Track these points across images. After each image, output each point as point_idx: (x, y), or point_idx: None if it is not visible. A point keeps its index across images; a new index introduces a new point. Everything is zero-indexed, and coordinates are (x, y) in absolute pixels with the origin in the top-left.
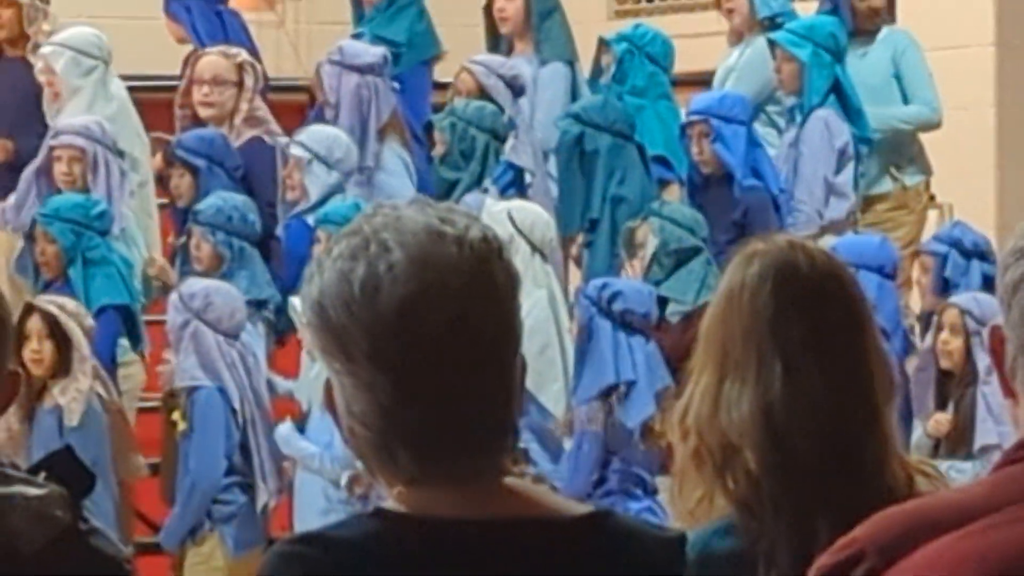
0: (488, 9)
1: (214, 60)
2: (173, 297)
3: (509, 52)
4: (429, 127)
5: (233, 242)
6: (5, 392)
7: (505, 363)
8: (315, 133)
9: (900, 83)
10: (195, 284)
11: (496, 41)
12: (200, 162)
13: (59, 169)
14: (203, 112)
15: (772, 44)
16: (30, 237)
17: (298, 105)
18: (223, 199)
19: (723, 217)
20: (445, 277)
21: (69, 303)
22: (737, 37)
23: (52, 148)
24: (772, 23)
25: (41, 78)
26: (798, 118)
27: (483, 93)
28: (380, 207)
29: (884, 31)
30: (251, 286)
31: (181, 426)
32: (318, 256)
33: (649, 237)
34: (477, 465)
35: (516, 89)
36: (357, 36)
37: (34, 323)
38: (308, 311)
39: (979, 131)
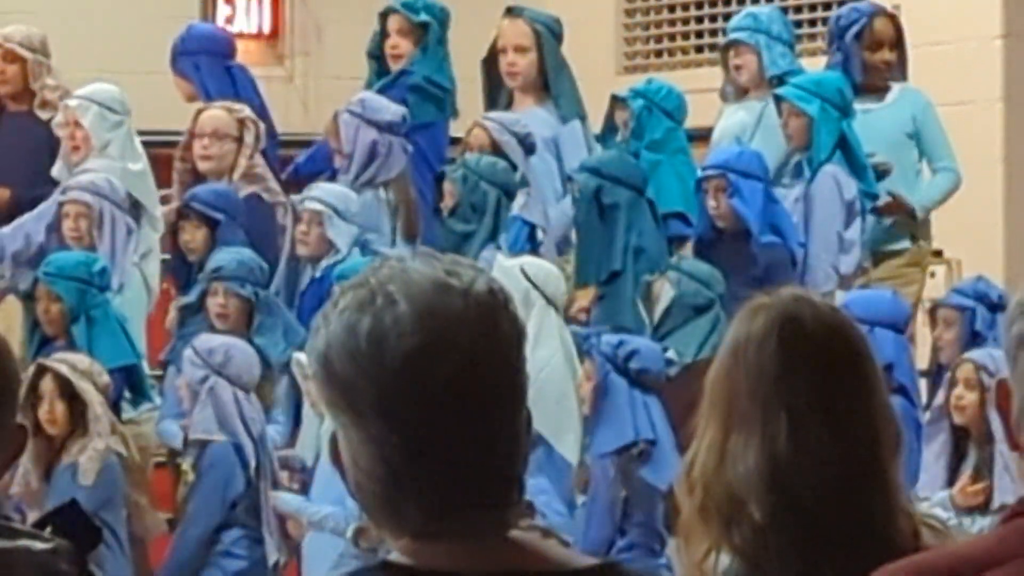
0: (487, 63)
1: (216, 114)
2: (188, 353)
3: (508, 106)
4: (439, 179)
5: (260, 293)
6: (14, 444)
7: (511, 416)
8: (327, 189)
9: (918, 142)
10: (212, 339)
11: (494, 95)
12: (219, 215)
13: (67, 225)
14: (202, 165)
15: (779, 99)
16: (29, 296)
17: None
18: (237, 253)
19: (739, 273)
20: (451, 329)
21: (82, 361)
22: (740, 94)
23: (61, 204)
24: (780, 82)
25: (61, 131)
26: (805, 173)
27: (496, 149)
28: (387, 260)
29: (897, 88)
30: (289, 333)
31: (190, 477)
32: (324, 309)
33: (664, 289)
34: (483, 518)
35: (528, 147)
36: (404, 74)
37: (46, 384)
38: (314, 364)
39: (987, 186)
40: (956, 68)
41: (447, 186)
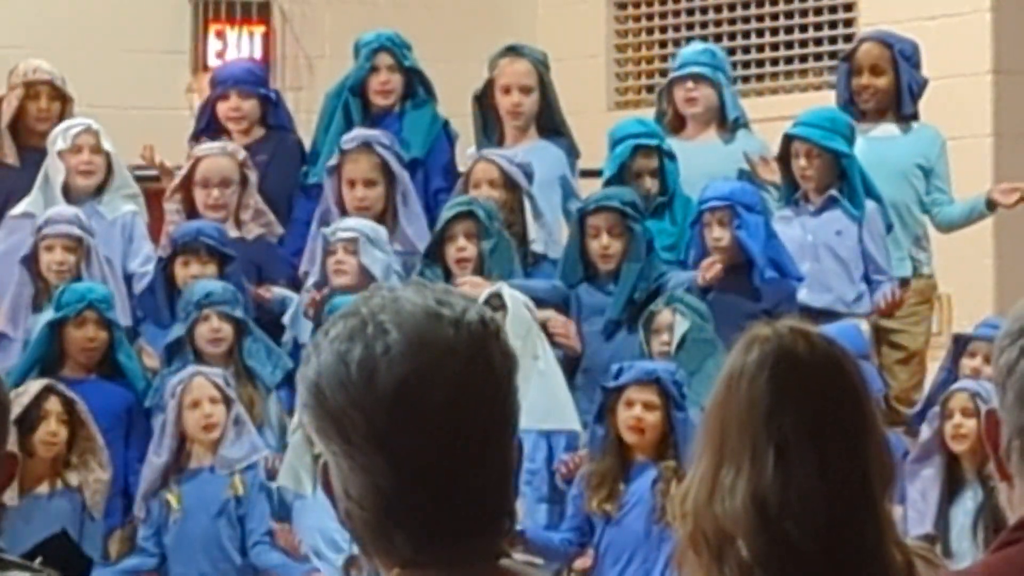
0: (480, 98)
1: (221, 163)
2: (223, 383)
3: (500, 142)
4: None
5: (246, 318)
6: (3, 473)
7: (502, 445)
8: (356, 220)
9: (927, 176)
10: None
11: (487, 131)
12: (231, 251)
13: (51, 258)
14: (212, 215)
15: (791, 139)
16: (55, 325)
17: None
18: (213, 281)
19: (732, 306)
20: (442, 359)
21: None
22: (674, 128)
23: (43, 236)
24: (735, 124)
25: (83, 156)
26: (834, 210)
27: (507, 182)
28: (378, 289)
29: (917, 124)
30: (272, 355)
31: (176, 506)
32: (315, 338)
33: (677, 319)
34: (473, 547)
35: (530, 180)
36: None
37: (51, 405)
38: (305, 392)
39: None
40: (946, 104)
41: (472, 224)
